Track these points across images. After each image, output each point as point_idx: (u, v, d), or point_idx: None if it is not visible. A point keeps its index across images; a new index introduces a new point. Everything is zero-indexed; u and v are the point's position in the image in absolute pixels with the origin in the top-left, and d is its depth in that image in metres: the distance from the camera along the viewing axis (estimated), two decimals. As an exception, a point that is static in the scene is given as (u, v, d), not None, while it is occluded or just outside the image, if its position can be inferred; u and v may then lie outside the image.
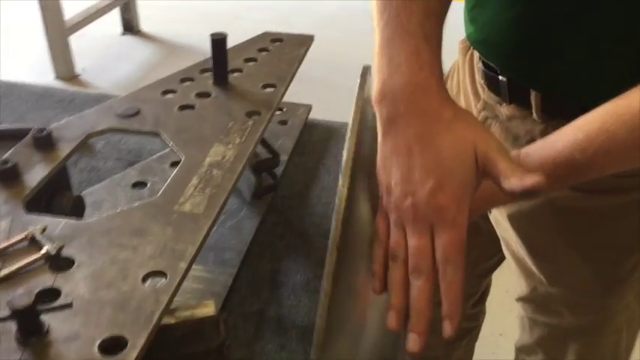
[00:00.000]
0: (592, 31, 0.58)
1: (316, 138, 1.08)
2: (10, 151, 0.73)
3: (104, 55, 3.00)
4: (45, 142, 0.74)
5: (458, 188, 0.49)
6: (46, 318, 0.53)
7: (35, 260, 0.59)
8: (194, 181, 0.70)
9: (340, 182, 0.49)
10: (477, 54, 0.71)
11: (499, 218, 0.74)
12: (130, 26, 3.18)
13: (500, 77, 0.66)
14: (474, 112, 0.73)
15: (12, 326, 0.53)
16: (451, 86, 0.79)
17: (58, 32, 2.68)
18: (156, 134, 0.78)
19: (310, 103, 1.13)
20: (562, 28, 0.60)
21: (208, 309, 0.61)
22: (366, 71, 0.57)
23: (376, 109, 0.53)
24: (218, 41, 0.85)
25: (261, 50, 0.97)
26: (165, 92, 0.87)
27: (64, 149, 0.75)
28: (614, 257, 0.70)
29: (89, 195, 0.85)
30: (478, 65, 0.71)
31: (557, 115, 0.62)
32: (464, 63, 0.75)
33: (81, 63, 2.83)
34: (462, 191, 0.49)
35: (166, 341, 0.60)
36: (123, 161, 0.97)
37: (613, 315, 0.75)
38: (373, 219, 0.53)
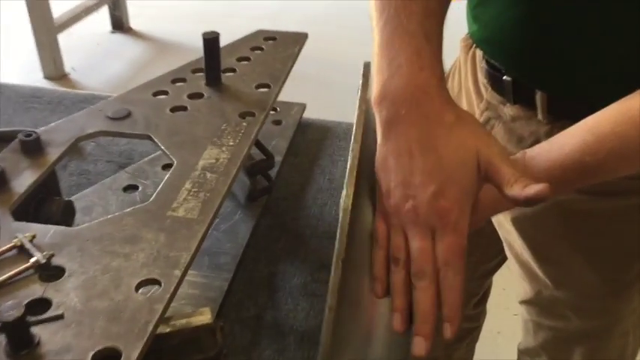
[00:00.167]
0: (598, 30, 0.57)
1: (311, 137, 1.06)
2: (-3, 156, 0.71)
3: (93, 53, 2.97)
4: (33, 147, 0.72)
5: (459, 193, 0.48)
6: (37, 330, 0.52)
7: (24, 270, 0.57)
8: (187, 185, 0.68)
9: (344, 193, 0.47)
10: (479, 53, 0.70)
11: (502, 221, 0.73)
12: (119, 24, 3.14)
13: (505, 77, 0.65)
14: (477, 112, 0.71)
15: (1, 339, 0.51)
16: (452, 86, 0.77)
17: (46, 31, 2.65)
18: (147, 137, 0.76)
19: (304, 102, 1.11)
20: (567, 26, 0.58)
21: (204, 317, 0.60)
22: (367, 70, 0.55)
23: (376, 111, 0.51)
24: (210, 41, 0.83)
25: (254, 49, 0.96)
26: (157, 93, 0.85)
27: (53, 154, 0.73)
28: (621, 261, 0.69)
29: (79, 200, 0.83)
30: (481, 64, 0.70)
31: (563, 116, 0.61)
32: (466, 62, 0.73)
33: (70, 62, 2.80)
34: (464, 196, 0.48)
35: (161, 350, 0.58)
36: (114, 164, 0.95)
37: (620, 319, 0.74)
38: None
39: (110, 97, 0.87)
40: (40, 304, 0.54)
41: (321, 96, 1.83)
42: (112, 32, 3.14)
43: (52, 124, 0.78)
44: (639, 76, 0.49)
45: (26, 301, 0.54)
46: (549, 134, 0.63)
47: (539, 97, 0.63)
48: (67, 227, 0.64)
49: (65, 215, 0.73)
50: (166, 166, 0.88)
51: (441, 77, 0.51)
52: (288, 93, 0.99)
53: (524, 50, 0.63)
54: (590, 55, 0.59)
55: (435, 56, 0.52)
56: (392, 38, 0.51)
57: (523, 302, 0.80)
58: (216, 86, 0.86)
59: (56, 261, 0.58)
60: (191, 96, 0.84)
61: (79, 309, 0.54)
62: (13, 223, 0.63)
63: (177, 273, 0.58)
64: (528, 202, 0.47)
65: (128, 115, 0.80)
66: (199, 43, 0.83)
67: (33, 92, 1.14)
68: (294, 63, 0.94)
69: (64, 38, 2.77)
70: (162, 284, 0.57)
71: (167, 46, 3.01)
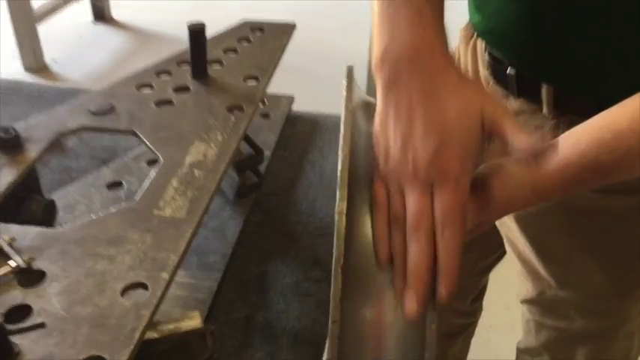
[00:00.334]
0: (606, 22, 0.55)
1: (300, 131, 1.04)
2: (-27, 154, 0.68)
3: (74, 44, 2.91)
4: (12, 144, 0.69)
5: (462, 150, 0.46)
6: (17, 339, 0.49)
7: (3, 275, 0.55)
8: (174, 183, 0.66)
9: (338, 196, 0.45)
10: (481, 44, 0.68)
11: (504, 218, 0.71)
12: (101, 14, 3.08)
13: (509, 69, 0.63)
14: None
15: (-21, 350, 0.48)
16: None
17: (26, 21, 2.59)
18: (132, 133, 0.74)
19: (292, 94, 1.09)
20: (575, 17, 0.56)
21: (194, 321, 0.57)
22: (351, 72, 0.53)
23: (377, 75, 0.49)
24: (196, 32, 0.80)
25: (241, 40, 0.93)
26: (141, 87, 0.82)
27: (33, 151, 0.70)
28: (629, 260, 0.67)
29: (61, 197, 0.80)
30: (483, 56, 0.67)
31: (570, 110, 0.59)
32: (466, 52, 0.71)
33: (50, 53, 2.74)
34: (466, 154, 0.47)
35: (149, 357, 0.56)
36: (97, 160, 0.92)
37: (626, 320, 0.72)
38: None
39: (92, 90, 0.84)
40: (20, 311, 0.52)
41: (308, 88, 1.80)
42: (94, 23, 3.08)
43: (32, 119, 0.75)
44: None
45: (5, 309, 0.52)
46: (555, 129, 0.61)
47: (544, 90, 0.60)
48: (48, 228, 0.61)
49: (46, 215, 0.70)
50: (152, 162, 0.85)
51: (444, 40, 0.49)
52: (275, 85, 0.96)
53: (530, 42, 0.60)
54: (598, 47, 0.56)
55: (438, 20, 0.50)
56: (393, 3, 0.49)
57: (525, 301, 0.79)
58: (203, 79, 0.83)
59: (37, 265, 0.56)
60: (176, 89, 0.81)
61: (61, 316, 0.51)
62: (-9, 225, 0.60)
63: (165, 276, 0.55)
64: (535, 156, 0.46)
65: (111, 109, 0.77)
66: (184, 34, 0.81)
67: (12, 86, 1.10)
68: (282, 54, 0.92)
69: (44, 29, 2.71)
70: (150, 288, 0.54)
71: (151, 37, 2.96)
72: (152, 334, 0.56)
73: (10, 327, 0.50)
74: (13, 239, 0.58)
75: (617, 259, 0.68)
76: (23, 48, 2.63)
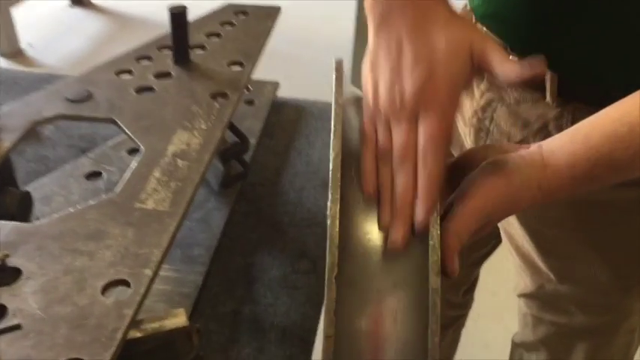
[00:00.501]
0: (613, 7, 0.52)
1: (285, 118, 1.01)
2: (-57, 144, 0.65)
3: (51, 29, 2.84)
4: (-16, 133, 0.66)
5: (450, 82, 0.46)
6: (-9, 342, 0.46)
7: (-25, 273, 0.52)
8: (156, 173, 0.63)
9: (330, 198, 0.42)
10: (480, 29, 0.65)
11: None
12: (78, -3, 3.01)
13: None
14: (477, 93, 0.67)
15: (-50, 354, 0.45)
16: None
17: (0, 4, 2.52)
18: (111, 121, 0.70)
19: (276, 80, 1.06)
20: (580, 1, 0.54)
21: (179, 319, 0.55)
22: (340, 65, 0.50)
23: (369, 15, 0.49)
24: (177, 15, 0.77)
25: (224, 24, 0.90)
26: (120, 72, 0.79)
27: (7, 140, 0.67)
28: (633, 255, 0.65)
29: (38, 189, 0.77)
30: None
31: (574, 98, 0.57)
32: None
33: (26, 38, 2.67)
34: (454, 84, 0.46)
35: (132, 357, 0.53)
36: (75, 148, 0.89)
37: (628, 316, 0.71)
38: (373, 238, 0.45)
39: (69, 76, 0.81)
40: (-6, 312, 0.49)
41: (293, 74, 1.77)
42: (71, 6, 3.01)
43: (6, 106, 0.72)
44: None
45: (-22, 309, 0.49)
46: (558, 118, 0.59)
47: (549, 78, 0.58)
48: (23, 223, 0.58)
49: (21, 208, 0.67)
50: (132, 151, 0.82)
51: None
52: (259, 71, 0.94)
53: (533, 27, 0.58)
54: (604, 31, 0.54)
55: None
56: None
57: (522, 295, 0.77)
58: (185, 64, 0.80)
59: (12, 262, 0.53)
60: (158, 75, 0.78)
61: (38, 316, 0.49)
62: (-38, 220, 0.57)
63: (148, 272, 0.53)
64: (524, 83, 0.45)
65: (89, 96, 0.74)
66: (165, 18, 0.77)
67: (-16, 71, 1.06)
68: (267, 39, 0.89)
69: (19, 12, 2.64)
70: (132, 285, 0.51)
71: (130, 21, 2.90)
72: (135, 334, 0.53)
73: (-16, 329, 0.47)
74: (-15, 235, 0.55)
75: (621, 253, 0.66)
76: (-3, 32, 2.56)
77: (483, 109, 0.66)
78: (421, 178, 0.44)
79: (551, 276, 0.70)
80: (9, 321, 0.48)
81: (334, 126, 0.45)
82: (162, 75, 0.78)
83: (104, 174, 0.80)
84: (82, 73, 0.79)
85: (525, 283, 0.75)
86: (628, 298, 0.70)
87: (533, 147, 0.47)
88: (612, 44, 0.55)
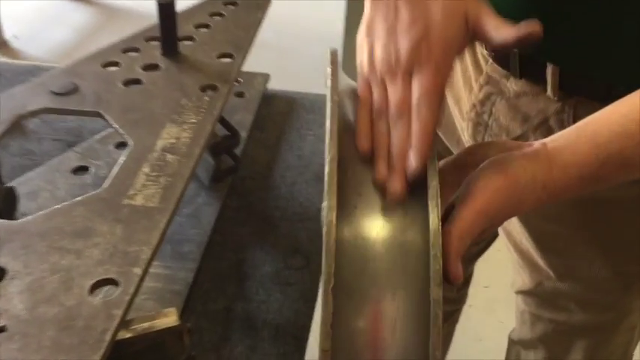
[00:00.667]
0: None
1: (276, 110, 1.00)
2: None
3: (36, 20, 2.80)
4: (-34, 127, 0.64)
5: (444, 41, 0.46)
6: (-25, 345, 0.45)
7: (-42, 273, 0.50)
8: (145, 168, 0.61)
9: (326, 204, 0.40)
10: None
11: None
12: (63, -12, 2.96)
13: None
14: (475, 87, 0.65)
15: None
16: None
17: (-16, -5, 2.47)
18: (98, 115, 0.69)
19: (266, 72, 1.04)
20: None
21: (170, 319, 0.54)
22: (335, 56, 0.48)
23: None
24: (165, 5, 0.75)
25: (213, 15, 0.88)
26: (107, 65, 0.76)
27: (-10, 134, 0.65)
28: (635, 253, 0.64)
29: (23, 184, 0.75)
30: None
31: (576, 92, 0.55)
32: None
33: (11, 29, 2.63)
34: (448, 46, 0.46)
35: (121, 358, 0.52)
36: (61, 142, 0.87)
37: (628, 313, 0.70)
38: (371, 243, 0.43)
39: (54, 68, 0.78)
40: (-22, 314, 0.47)
41: (283, 65, 1.75)
42: (57, -3, 2.97)
43: (-12, 100, 0.70)
44: None
45: (-39, 311, 0.47)
46: (559, 113, 0.58)
47: (550, 71, 0.57)
48: (7, 220, 0.56)
49: (6, 204, 0.65)
50: (120, 145, 0.80)
51: None
52: (248, 62, 0.92)
53: (536, 18, 0.57)
54: (608, 23, 0.53)
55: None
56: None
57: (520, 292, 0.76)
58: (174, 56, 0.78)
59: (-4, 261, 0.51)
60: (146, 67, 0.76)
61: (23, 317, 0.47)
62: (-56, 218, 0.55)
63: (138, 271, 0.51)
64: (520, 42, 0.45)
65: (75, 89, 0.72)
66: (153, 9, 0.75)
67: (-33, 63, 1.03)
68: (257, 30, 0.87)
69: (4, 3, 2.59)
70: (121, 284, 0.50)
71: (117, 12, 2.86)
72: (125, 334, 0.52)
73: (-33, 331, 0.45)
74: (-32, 233, 0.53)
75: (622, 251, 0.65)
76: (-19, 23, 2.52)
77: (482, 102, 0.65)
78: (415, 128, 0.44)
79: (551, 273, 0.69)
80: (-7, 323, 0.46)
81: (329, 126, 0.43)
82: (151, 67, 0.76)
83: (91, 168, 0.78)
84: (67, 65, 0.77)
85: (523, 280, 0.74)
86: (628, 296, 0.69)
87: (538, 145, 0.45)
88: (617, 36, 0.53)
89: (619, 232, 0.64)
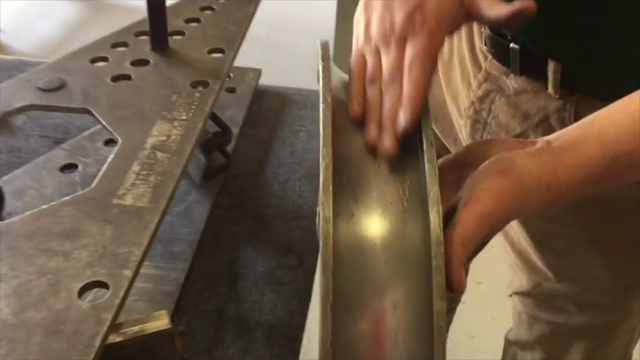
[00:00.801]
0: None
1: (267, 106, 0.99)
2: None
3: (23, 13, 2.76)
4: (-51, 125, 0.62)
5: (439, 12, 0.47)
6: (-41, 351, 0.43)
7: (-59, 276, 0.48)
8: (135, 167, 0.60)
9: (321, 215, 0.38)
10: None
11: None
12: (50, -19, 2.93)
13: (512, 44, 0.58)
14: (474, 84, 0.64)
15: None
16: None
17: (-31, -11, 2.44)
18: (86, 111, 0.67)
19: (258, 67, 1.03)
20: None
21: (161, 322, 0.52)
22: (326, 51, 0.47)
23: None
24: (155, -1, 0.73)
25: (203, 9, 0.86)
26: (95, 60, 0.75)
27: (-25, 132, 0.63)
28: (636, 254, 0.63)
29: (9, 182, 0.73)
30: (481, 28, 0.62)
31: (579, 89, 0.54)
32: None
33: (-3, 23, 2.60)
34: (443, 18, 0.47)
35: (112, 362, 0.51)
36: (48, 139, 0.85)
37: (628, 315, 0.69)
38: (369, 253, 0.40)
39: (41, 63, 0.77)
40: (-38, 318, 0.46)
41: (274, 60, 1.73)
42: (44, -10, 2.93)
43: (-28, 97, 0.68)
44: None
45: (-56, 316, 0.46)
46: (560, 111, 0.56)
47: (552, 68, 0.55)
48: (-7, 221, 0.55)
49: (-8, 204, 0.63)
50: (109, 142, 0.78)
51: None
52: (239, 57, 0.90)
53: (538, 14, 0.55)
54: (611, 20, 0.51)
55: None
56: None
57: (517, 293, 0.75)
58: (163, 51, 0.76)
59: (-19, 263, 0.49)
60: (135, 63, 0.74)
61: (10, 322, 0.46)
62: None
63: (128, 273, 0.50)
64: (513, 19, 0.45)
65: (62, 85, 0.70)
66: (142, 2, 0.74)
67: (-49, 58, 1.01)
68: (249, 24, 0.85)
69: (-11, -3, 2.56)
70: (110, 287, 0.49)
71: (106, 6, 2.83)
72: (115, 338, 0.50)
73: (-49, 337, 0.44)
74: (-48, 235, 0.51)
75: (623, 252, 0.64)
76: (-34, 17, 2.48)
77: (481, 99, 0.64)
78: (406, 88, 0.44)
79: (549, 274, 0.68)
80: (-22, 328, 0.45)
81: (323, 129, 0.41)
82: (140, 62, 0.74)
83: (80, 166, 0.77)
84: (54, 60, 0.76)
85: (521, 280, 0.73)
86: (629, 298, 0.68)
87: (541, 143, 0.43)
88: (623, 32, 0.52)
89: (618, 233, 0.63)
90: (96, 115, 0.66)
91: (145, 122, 0.65)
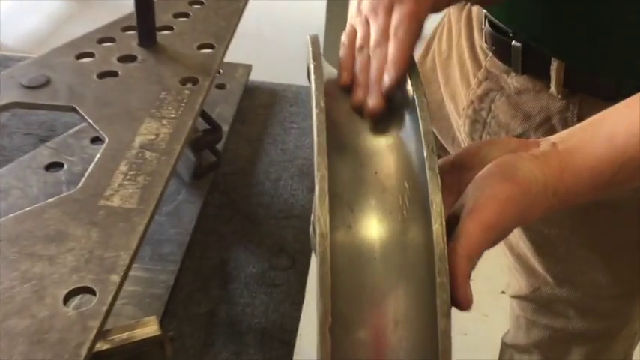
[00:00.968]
0: None
1: (258, 103, 0.97)
2: None
3: (6, 7, 2.71)
4: None
5: None
6: (-62, 362, 0.42)
7: None
8: (123, 167, 0.58)
9: (318, 231, 0.35)
10: (477, 10, 0.61)
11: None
12: (35, -26, 2.88)
13: (514, 42, 0.56)
14: (473, 82, 0.63)
15: None
16: (439, 49, 0.68)
17: (-49, -19, 2.39)
18: (71, 109, 0.65)
19: (248, 62, 1.01)
20: None
21: (150, 328, 0.51)
22: (317, 47, 0.45)
23: None
24: (142, -7, 0.71)
25: (192, 3, 0.84)
26: (81, 56, 0.73)
27: (-45, 131, 0.61)
28: (637, 260, 0.62)
29: (-8, 182, 0.71)
30: (482, 25, 0.60)
31: (582, 89, 0.52)
32: (459, 21, 0.64)
33: (-20, 17, 2.55)
34: None
35: (99, 370, 0.49)
36: (33, 137, 0.83)
37: (629, 320, 0.68)
38: (368, 268, 0.38)
39: (25, 58, 0.75)
40: (-58, 327, 0.44)
41: (264, 56, 1.71)
42: (28, -17, 2.88)
43: (-47, 94, 0.66)
44: None
45: None
46: (563, 111, 0.55)
47: (555, 67, 0.54)
48: (-26, 224, 0.53)
49: (-26, 205, 0.61)
50: (95, 140, 0.76)
51: None
52: (228, 52, 0.88)
53: (542, 10, 0.54)
54: (616, 17, 0.50)
55: None
56: None
57: (516, 297, 0.74)
58: (151, 47, 0.75)
59: (-39, 269, 0.48)
60: (122, 59, 0.72)
61: (-8, 331, 0.44)
62: None
63: (115, 278, 0.48)
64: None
65: (47, 82, 0.68)
66: (128, -4, 0.72)
67: None
68: (239, 19, 0.84)
69: (-28, -10, 2.51)
70: (97, 293, 0.47)
71: (92, 0, 2.79)
72: (102, 345, 0.49)
73: None
74: None
75: (624, 257, 0.62)
76: (-51, 10, 2.44)
77: (480, 98, 0.62)
78: (391, 49, 0.44)
79: (549, 278, 0.67)
80: (-42, 337, 0.43)
81: (317, 136, 0.38)
82: (127, 58, 0.73)
83: (65, 165, 0.75)
84: (39, 56, 0.74)
85: (519, 284, 0.71)
86: (629, 303, 0.67)
87: (546, 145, 0.41)
88: (627, 28, 0.51)
89: (622, 238, 0.61)
90: (82, 113, 0.64)
91: (132, 120, 0.63)
